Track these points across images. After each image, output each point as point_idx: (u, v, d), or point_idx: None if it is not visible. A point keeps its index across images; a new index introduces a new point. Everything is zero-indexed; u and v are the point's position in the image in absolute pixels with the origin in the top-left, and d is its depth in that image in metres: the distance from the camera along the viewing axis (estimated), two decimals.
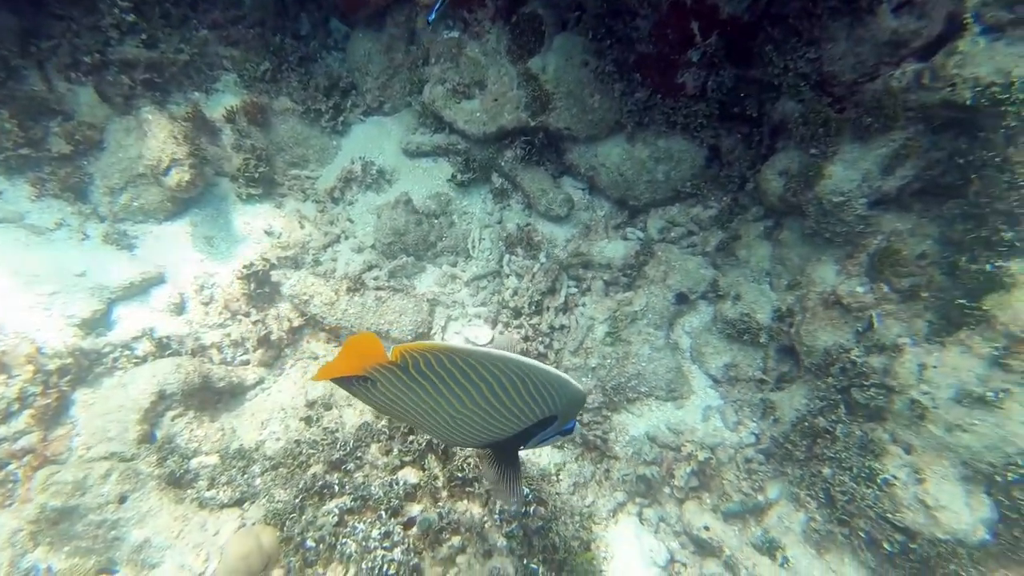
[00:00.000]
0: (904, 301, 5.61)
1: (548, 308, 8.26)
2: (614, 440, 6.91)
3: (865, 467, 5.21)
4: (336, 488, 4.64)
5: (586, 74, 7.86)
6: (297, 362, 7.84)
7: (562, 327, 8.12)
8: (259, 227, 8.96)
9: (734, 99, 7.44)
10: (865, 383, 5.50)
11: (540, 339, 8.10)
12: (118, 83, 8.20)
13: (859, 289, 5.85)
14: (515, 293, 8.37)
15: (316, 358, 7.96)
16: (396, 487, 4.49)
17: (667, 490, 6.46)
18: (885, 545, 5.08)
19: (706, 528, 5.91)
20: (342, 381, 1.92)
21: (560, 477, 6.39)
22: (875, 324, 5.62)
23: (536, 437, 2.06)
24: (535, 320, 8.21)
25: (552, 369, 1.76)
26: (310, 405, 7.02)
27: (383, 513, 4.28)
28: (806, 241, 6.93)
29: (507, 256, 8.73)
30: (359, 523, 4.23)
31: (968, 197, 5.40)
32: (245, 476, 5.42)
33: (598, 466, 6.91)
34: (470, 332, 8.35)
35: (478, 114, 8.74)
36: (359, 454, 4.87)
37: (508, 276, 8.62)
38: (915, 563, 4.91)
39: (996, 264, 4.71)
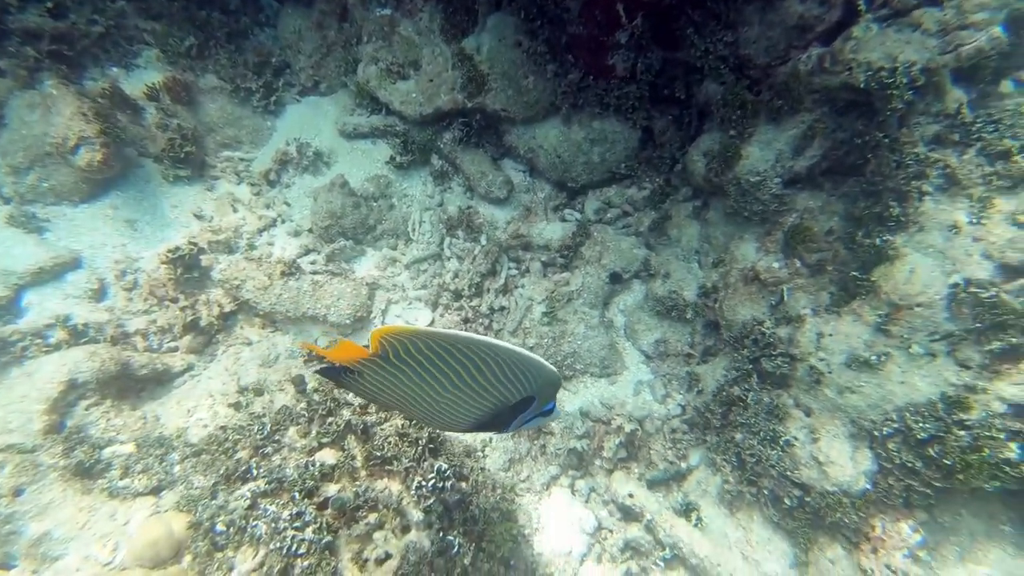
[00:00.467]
0: (813, 275, 5.90)
1: (488, 290, 8.28)
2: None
3: (770, 431, 5.52)
4: (253, 472, 4.57)
5: (519, 55, 7.80)
6: (229, 348, 7.62)
7: (502, 308, 8.17)
8: (188, 210, 8.58)
9: (663, 81, 7.56)
10: (773, 353, 5.79)
11: (480, 321, 8.14)
12: (21, 55, 7.59)
13: (775, 265, 6.12)
14: (456, 275, 8.35)
15: (250, 344, 7.76)
16: (312, 468, 4.45)
17: (597, 462, 6.67)
18: (786, 500, 5.42)
19: (630, 495, 6.15)
20: (331, 374, 2.01)
21: (486, 453, 6.50)
22: (785, 298, 5.90)
23: (518, 419, 2.12)
24: (475, 302, 8.23)
25: (526, 351, 1.83)
26: (241, 391, 6.86)
27: (296, 494, 4.24)
28: (729, 220, 7.17)
29: (448, 239, 8.68)
30: (271, 505, 4.19)
31: (866, 175, 5.69)
32: (163, 464, 5.26)
33: (534, 442, 7.05)
34: (410, 315, 8.29)
35: (414, 95, 8.57)
36: (277, 437, 4.80)
37: (449, 259, 8.57)
38: (809, 514, 5.29)
39: (885, 238, 5.00)
